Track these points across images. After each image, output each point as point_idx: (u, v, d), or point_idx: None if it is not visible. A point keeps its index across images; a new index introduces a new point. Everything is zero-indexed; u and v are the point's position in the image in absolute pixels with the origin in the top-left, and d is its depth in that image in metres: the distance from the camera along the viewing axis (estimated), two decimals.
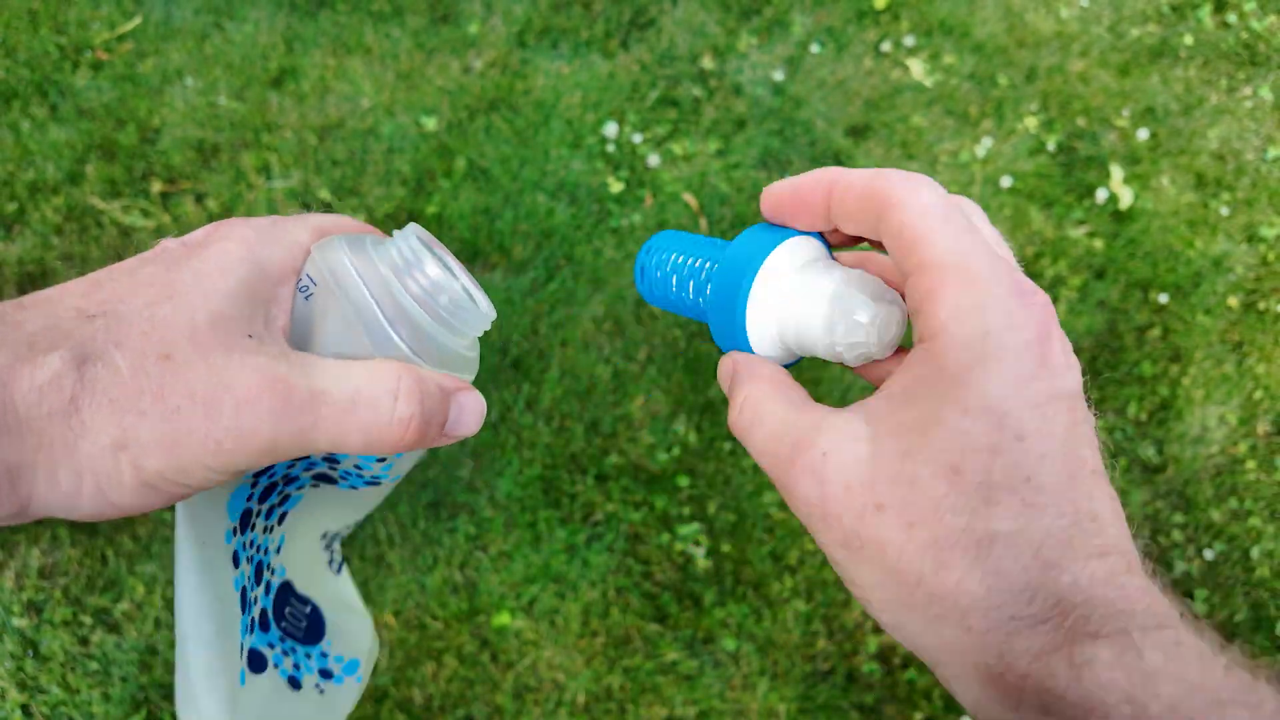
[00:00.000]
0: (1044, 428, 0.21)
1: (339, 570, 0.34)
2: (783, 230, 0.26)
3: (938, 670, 0.22)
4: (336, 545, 0.34)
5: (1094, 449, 0.21)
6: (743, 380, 0.26)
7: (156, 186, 1.34)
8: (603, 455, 1.18)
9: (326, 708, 0.29)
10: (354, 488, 0.30)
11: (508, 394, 1.19)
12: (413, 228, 0.26)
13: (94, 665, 1.04)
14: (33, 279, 1.26)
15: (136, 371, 0.21)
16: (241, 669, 0.26)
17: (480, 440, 1.17)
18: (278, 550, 0.30)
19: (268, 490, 0.28)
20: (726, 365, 0.27)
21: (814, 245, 0.27)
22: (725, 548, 1.14)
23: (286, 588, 0.30)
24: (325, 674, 0.30)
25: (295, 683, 0.28)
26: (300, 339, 0.24)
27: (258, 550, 0.28)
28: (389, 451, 0.23)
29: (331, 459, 0.27)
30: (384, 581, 1.08)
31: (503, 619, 1.08)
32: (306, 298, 0.25)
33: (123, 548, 1.09)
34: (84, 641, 1.05)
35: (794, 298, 0.26)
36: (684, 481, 1.18)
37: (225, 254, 0.23)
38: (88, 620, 1.06)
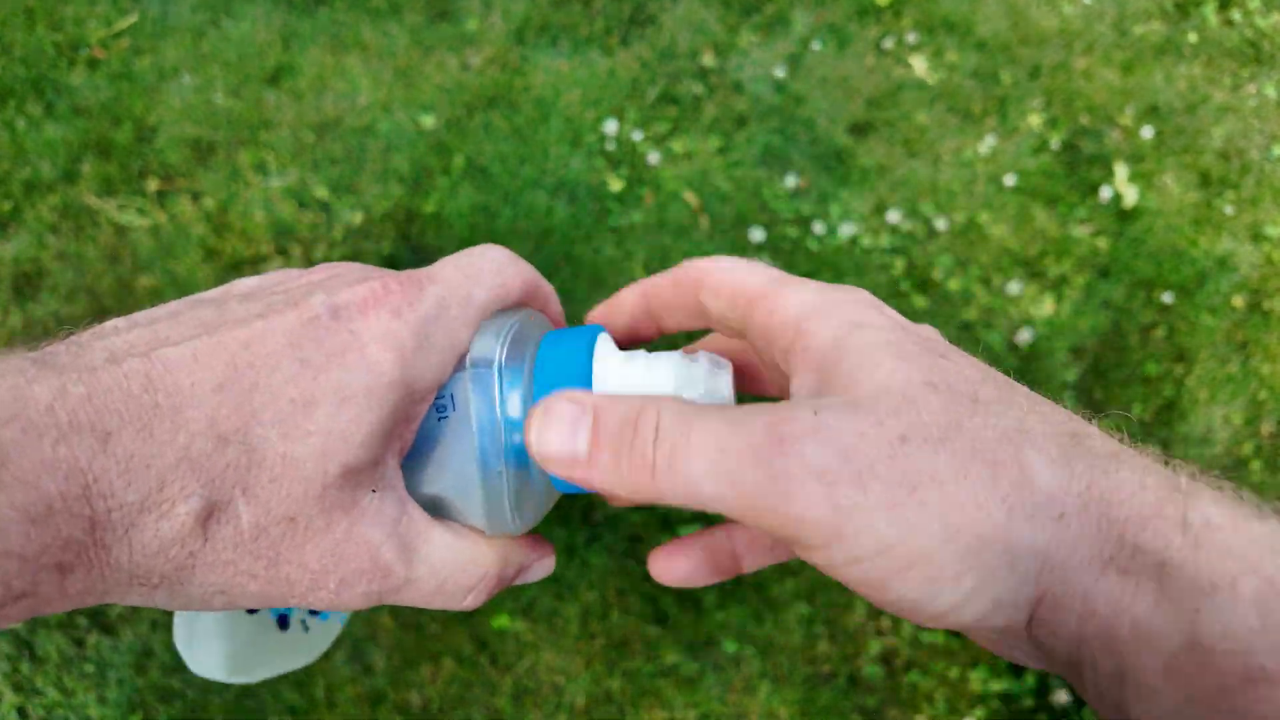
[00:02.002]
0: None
1: None
2: (584, 327, 0.25)
3: (1016, 620, 0.19)
4: None
5: None
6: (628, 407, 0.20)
7: (153, 185, 1.33)
8: None
9: (306, 645, 0.29)
10: None
11: None
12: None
13: (89, 667, 1.04)
14: (28, 278, 1.25)
15: (258, 534, 0.20)
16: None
17: None
18: None
19: None
20: (564, 409, 0.21)
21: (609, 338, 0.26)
22: None
23: None
24: (314, 610, 0.29)
25: (284, 621, 0.28)
26: (414, 460, 0.23)
27: None
28: None
29: None
30: None
31: (501, 621, 1.07)
32: (440, 419, 0.23)
33: None
34: (79, 643, 1.05)
35: (640, 381, 0.23)
36: None
37: (376, 372, 0.20)
38: (83, 622, 1.05)
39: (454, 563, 0.23)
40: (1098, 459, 0.19)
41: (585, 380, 0.23)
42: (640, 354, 0.25)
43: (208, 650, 0.26)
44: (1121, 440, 0.21)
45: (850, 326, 0.21)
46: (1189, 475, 0.19)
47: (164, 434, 0.18)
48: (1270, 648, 0.16)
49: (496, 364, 0.23)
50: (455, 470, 0.23)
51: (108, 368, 0.18)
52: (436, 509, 0.24)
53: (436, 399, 0.23)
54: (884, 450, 0.18)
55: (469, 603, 0.24)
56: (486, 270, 0.24)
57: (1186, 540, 0.18)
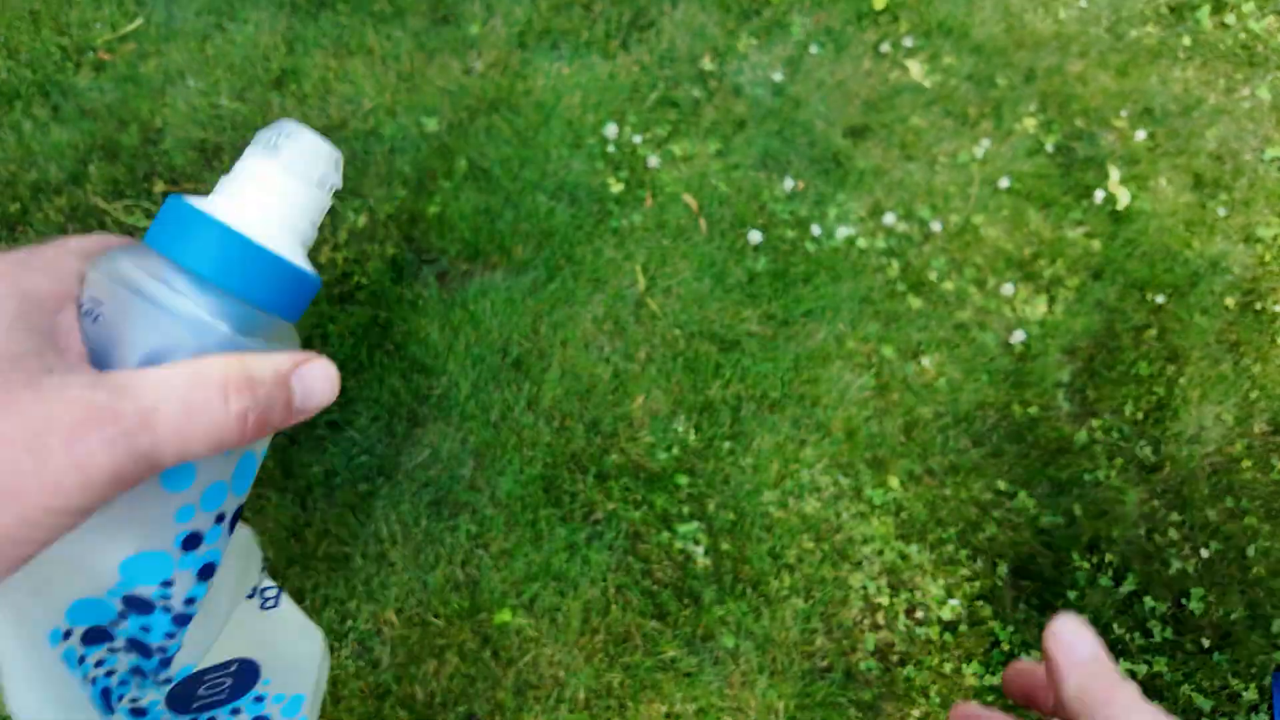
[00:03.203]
0: None
1: (275, 604, 0.31)
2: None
3: None
4: (265, 581, 0.31)
5: None
6: None
7: (159, 187, 1.34)
8: (603, 454, 1.19)
9: None
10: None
11: (509, 393, 1.20)
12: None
13: None
14: None
15: None
16: None
17: (481, 440, 1.17)
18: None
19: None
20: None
21: None
22: (724, 546, 1.15)
23: (192, 679, 0.27)
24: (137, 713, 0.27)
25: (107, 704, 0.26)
26: (103, 361, 0.22)
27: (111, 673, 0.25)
28: (235, 446, 0.23)
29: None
30: (386, 579, 1.09)
31: (504, 616, 1.08)
32: (95, 319, 0.23)
33: None
34: None
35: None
36: (683, 480, 1.18)
37: None
38: None
39: (180, 375, 0.22)
40: None
41: (199, 220, 0.23)
42: (223, 183, 0.24)
43: (36, 704, 0.25)
44: None
45: None
46: None
47: None
48: None
49: (116, 253, 0.23)
50: (147, 339, 0.23)
51: None
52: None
53: (83, 309, 0.23)
54: None
55: (235, 408, 0.22)
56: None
57: None
